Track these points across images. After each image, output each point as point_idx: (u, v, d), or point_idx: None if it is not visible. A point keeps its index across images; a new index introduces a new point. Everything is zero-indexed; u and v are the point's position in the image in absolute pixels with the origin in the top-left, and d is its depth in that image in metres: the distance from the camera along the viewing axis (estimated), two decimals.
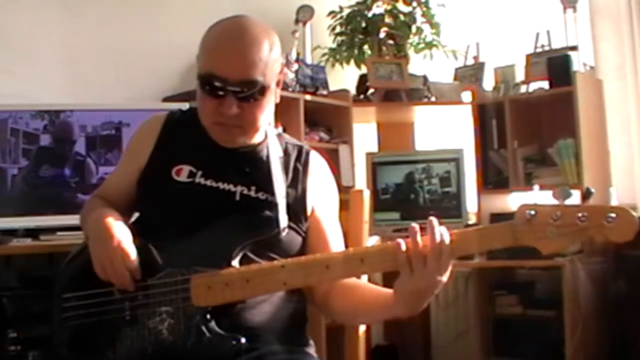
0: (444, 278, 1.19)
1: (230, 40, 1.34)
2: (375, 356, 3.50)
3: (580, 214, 1.13)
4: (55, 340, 1.38)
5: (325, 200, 1.50)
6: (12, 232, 2.41)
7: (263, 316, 1.35)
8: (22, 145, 2.48)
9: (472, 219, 3.50)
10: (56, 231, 2.40)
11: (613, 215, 1.12)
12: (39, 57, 2.83)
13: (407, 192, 3.50)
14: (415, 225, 1.20)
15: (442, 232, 1.19)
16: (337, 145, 3.43)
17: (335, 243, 1.47)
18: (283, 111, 3.09)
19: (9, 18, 2.77)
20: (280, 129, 3.01)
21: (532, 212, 1.16)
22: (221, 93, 1.33)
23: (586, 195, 1.20)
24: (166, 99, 3.08)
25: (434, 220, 1.19)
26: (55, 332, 1.39)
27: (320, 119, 3.45)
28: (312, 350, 1.45)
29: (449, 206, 3.46)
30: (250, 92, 1.33)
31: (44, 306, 1.45)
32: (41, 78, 2.81)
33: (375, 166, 3.54)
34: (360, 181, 3.58)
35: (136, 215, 1.53)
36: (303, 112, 3.20)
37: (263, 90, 1.35)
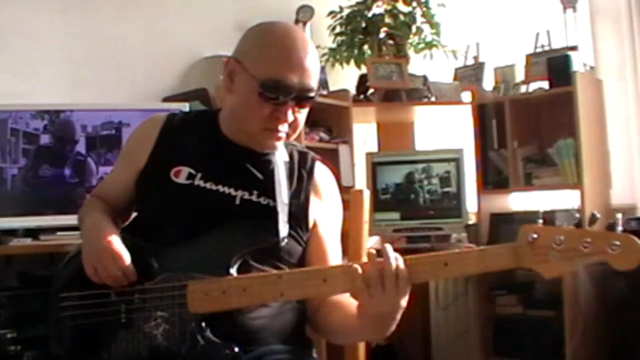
0: (403, 303, 1.19)
1: (296, 48, 1.34)
2: (375, 356, 3.49)
3: (584, 239, 1.12)
4: (51, 340, 1.38)
5: (329, 216, 1.49)
6: (12, 232, 2.41)
7: (262, 319, 1.34)
8: (22, 145, 2.48)
9: (472, 219, 3.50)
10: (56, 231, 2.40)
11: (617, 243, 1.10)
12: (39, 57, 2.83)
13: (407, 192, 3.50)
14: (372, 250, 1.21)
15: (397, 257, 1.19)
16: (337, 145, 3.43)
17: (334, 260, 1.45)
18: None
19: (9, 18, 2.77)
20: None
21: (535, 235, 1.14)
22: (282, 99, 1.33)
23: (591, 220, 1.17)
24: (166, 99, 3.08)
25: (388, 246, 1.20)
26: (51, 332, 1.38)
27: (320, 119, 3.44)
28: (312, 350, 1.45)
29: (449, 206, 3.46)
30: (307, 98, 1.36)
31: (43, 306, 1.45)
32: (41, 78, 2.81)
33: (375, 166, 3.54)
34: (360, 181, 3.58)
35: (134, 215, 1.52)
36: None
37: (314, 98, 1.38)
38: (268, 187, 1.40)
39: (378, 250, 1.22)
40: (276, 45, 1.35)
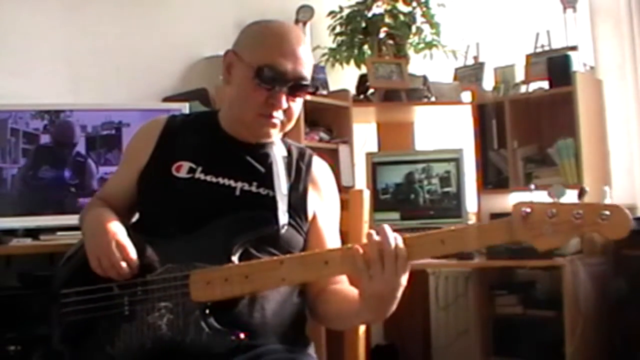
0: (403, 281, 1.21)
1: (289, 38, 1.41)
2: (375, 356, 3.50)
3: (575, 212, 1.15)
4: (53, 337, 1.39)
5: (327, 208, 1.51)
6: (12, 232, 2.41)
7: (262, 314, 1.35)
8: (22, 145, 2.48)
9: (472, 219, 3.50)
10: (56, 231, 2.40)
11: (607, 212, 1.14)
12: (39, 57, 2.83)
13: (407, 192, 3.50)
14: (371, 231, 1.23)
15: (396, 237, 1.21)
16: (337, 145, 3.43)
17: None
18: None
19: (9, 18, 2.77)
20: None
21: (528, 210, 1.18)
22: (275, 85, 1.38)
23: (581, 193, 1.21)
24: (166, 99, 3.08)
25: (386, 226, 1.22)
26: (53, 328, 1.39)
27: (320, 119, 3.45)
28: (311, 349, 1.46)
29: (449, 206, 3.46)
30: (301, 87, 1.41)
31: (44, 306, 1.45)
32: (41, 78, 2.81)
33: (375, 166, 3.54)
34: (360, 181, 3.58)
35: (137, 215, 1.53)
36: (303, 112, 3.20)
37: (307, 88, 1.43)
38: (267, 178, 1.43)
39: None
40: (271, 36, 1.42)
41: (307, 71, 1.42)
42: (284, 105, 1.40)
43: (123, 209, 1.51)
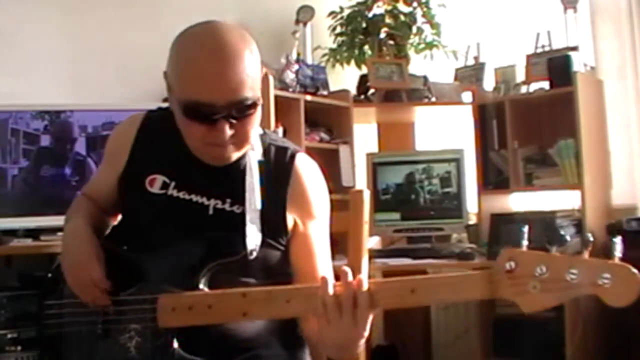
0: (364, 332, 1.12)
1: (210, 61, 1.20)
2: (375, 356, 3.50)
3: (570, 269, 0.98)
4: (40, 346, 1.38)
5: (312, 212, 1.40)
6: (12, 232, 2.42)
7: (243, 328, 1.32)
8: (22, 146, 2.48)
9: (473, 220, 3.50)
10: (56, 231, 2.40)
11: (608, 275, 0.95)
12: (39, 57, 2.83)
13: (407, 193, 3.50)
14: (325, 276, 1.15)
15: (359, 281, 1.11)
16: (338, 146, 3.43)
17: (322, 260, 1.40)
18: (284, 111, 3.09)
19: (9, 18, 2.77)
20: (280, 130, 3.01)
21: (513, 264, 1.03)
22: (208, 120, 1.21)
23: (585, 244, 1.02)
24: (166, 99, 3.07)
25: (346, 269, 1.13)
26: (39, 337, 1.39)
27: (321, 119, 3.45)
28: (306, 352, 1.43)
29: (449, 206, 3.46)
30: (243, 110, 1.23)
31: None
32: (41, 78, 2.81)
33: (376, 166, 3.54)
34: (361, 181, 3.58)
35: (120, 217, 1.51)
36: (303, 113, 3.20)
37: (254, 104, 1.25)
38: (240, 194, 1.32)
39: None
40: (192, 61, 1.21)
41: (247, 89, 1.21)
42: (227, 133, 1.22)
43: (109, 206, 1.47)
